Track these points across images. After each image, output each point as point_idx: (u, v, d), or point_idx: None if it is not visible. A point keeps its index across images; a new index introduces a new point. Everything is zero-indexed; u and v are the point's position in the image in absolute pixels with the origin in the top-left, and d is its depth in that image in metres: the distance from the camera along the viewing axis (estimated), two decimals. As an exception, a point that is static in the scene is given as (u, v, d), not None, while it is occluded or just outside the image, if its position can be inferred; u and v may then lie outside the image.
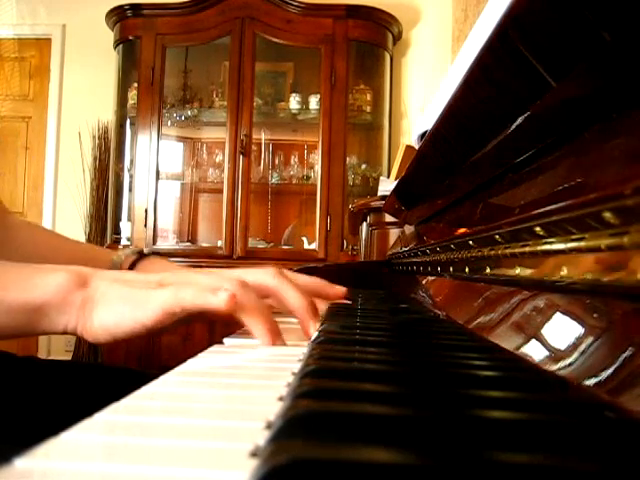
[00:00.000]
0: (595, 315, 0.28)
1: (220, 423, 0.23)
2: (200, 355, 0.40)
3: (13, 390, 0.61)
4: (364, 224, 1.82)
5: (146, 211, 3.04)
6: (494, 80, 0.36)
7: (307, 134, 3.21)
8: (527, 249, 0.37)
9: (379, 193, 1.84)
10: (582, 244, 0.29)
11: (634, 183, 0.23)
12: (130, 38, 3.12)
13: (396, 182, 1.01)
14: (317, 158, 3.03)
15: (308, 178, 3.18)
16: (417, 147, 0.93)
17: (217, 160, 3.20)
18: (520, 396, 0.25)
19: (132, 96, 3.14)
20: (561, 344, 0.31)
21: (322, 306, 0.62)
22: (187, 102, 3.22)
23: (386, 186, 1.74)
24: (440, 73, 2.97)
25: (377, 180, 2.49)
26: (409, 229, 1.13)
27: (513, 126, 0.38)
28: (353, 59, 3.08)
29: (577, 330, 0.30)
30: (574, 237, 0.30)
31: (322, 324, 0.51)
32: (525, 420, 0.21)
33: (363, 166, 3.17)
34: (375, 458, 0.16)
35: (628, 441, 0.19)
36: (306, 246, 3.10)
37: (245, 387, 0.31)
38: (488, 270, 0.47)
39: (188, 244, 3.22)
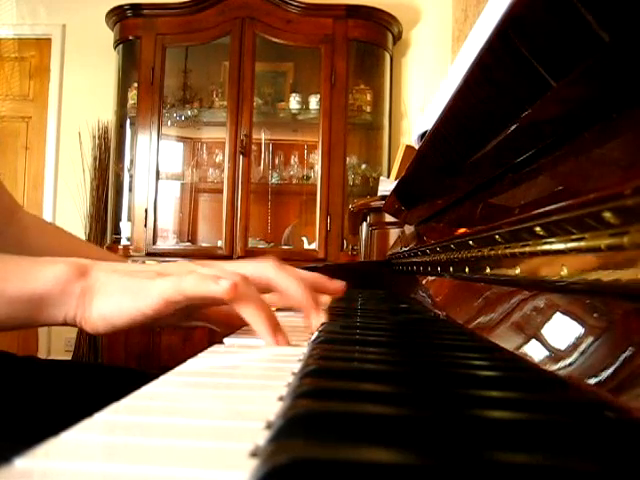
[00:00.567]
0: (595, 315, 0.28)
1: (220, 423, 0.23)
2: (200, 355, 0.40)
3: (13, 390, 0.61)
4: (364, 224, 1.82)
5: (146, 211, 3.04)
6: (494, 80, 0.36)
7: (307, 134, 3.21)
8: (527, 249, 0.37)
9: (379, 193, 1.84)
10: (582, 244, 0.29)
11: (634, 183, 0.23)
12: (130, 38, 3.12)
13: (396, 182, 1.01)
14: (317, 158, 3.03)
15: (308, 178, 3.18)
16: (417, 147, 0.93)
17: (217, 160, 3.20)
18: (520, 396, 0.25)
19: (132, 96, 3.14)
20: (561, 344, 0.31)
21: (325, 298, 0.61)
22: (187, 102, 3.22)
23: (386, 186, 1.74)
24: (440, 73, 2.97)
25: (377, 180, 2.49)
26: (409, 229, 1.13)
27: (513, 126, 0.38)
28: (353, 59, 3.08)
29: (577, 330, 0.30)
30: (574, 237, 0.30)
31: (322, 324, 0.51)
32: (525, 420, 0.21)
33: (363, 166, 3.17)
34: (375, 458, 0.16)
35: (628, 441, 0.19)
36: (306, 246, 3.10)
37: (245, 387, 0.31)
38: (488, 270, 0.47)
39: (188, 244, 3.22)
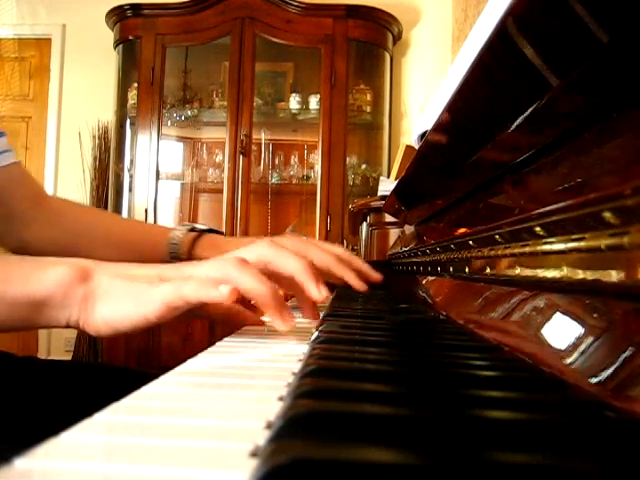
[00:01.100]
0: (595, 315, 0.28)
1: (220, 423, 0.23)
2: (200, 355, 0.40)
3: (13, 390, 0.61)
4: (364, 224, 1.82)
5: (146, 211, 3.04)
6: (494, 80, 0.36)
7: (307, 134, 3.21)
8: (527, 249, 0.37)
9: (379, 193, 1.84)
10: (582, 244, 0.29)
11: (634, 183, 0.23)
12: (130, 38, 3.12)
13: (396, 182, 1.01)
14: (317, 158, 3.03)
15: (308, 178, 3.18)
16: (417, 147, 0.93)
17: (217, 160, 3.20)
18: (520, 396, 0.25)
19: (132, 96, 3.14)
20: (561, 344, 0.31)
21: (324, 292, 0.52)
22: (187, 102, 3.22)
23: (386, 186, 1.74)
24: (440, 73, 2.98)
25: (377, 180, 2.49)
26: (409, 229, 1.13)
27: (513, 126, 0.38)
28: (353, 59, 3.08)
29: (577, 330, 0.30)
30: (574, 237, 0.30)
31: (322, 323, 0.51)
32: (525, 420, 0.21)
33: (363, 166, 3.17)
34: (375, 458, 0.16)
35: (628, 441, 0.19)
36: (306, 246, 3.10)
37: (245, 387, 0.31)
38: (488, 270, 0.47)
39: (188, 244, 3.21)
